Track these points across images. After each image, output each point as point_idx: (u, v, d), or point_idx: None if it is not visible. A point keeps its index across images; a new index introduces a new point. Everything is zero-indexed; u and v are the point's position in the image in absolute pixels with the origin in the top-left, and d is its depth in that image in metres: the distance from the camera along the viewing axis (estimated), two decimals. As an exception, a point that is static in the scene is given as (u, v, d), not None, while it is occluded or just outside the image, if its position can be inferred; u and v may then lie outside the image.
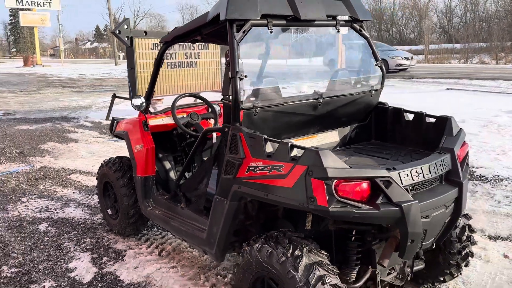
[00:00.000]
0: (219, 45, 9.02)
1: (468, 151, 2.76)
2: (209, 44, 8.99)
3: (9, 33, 75.90)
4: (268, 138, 2.44)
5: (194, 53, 9.42)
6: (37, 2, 37.97)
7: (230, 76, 2.56)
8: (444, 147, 2.58)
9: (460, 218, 2.71)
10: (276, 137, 2.64)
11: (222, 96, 2.69)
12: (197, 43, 8.72)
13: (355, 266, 2.49)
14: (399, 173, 2.25)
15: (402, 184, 2.23)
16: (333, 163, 2.14)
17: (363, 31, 3.22)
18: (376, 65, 3.27)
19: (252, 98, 2.69)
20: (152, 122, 3.84)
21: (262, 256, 2.36)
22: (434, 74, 19.31)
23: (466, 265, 3.02)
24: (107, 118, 10.36)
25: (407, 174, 2.28)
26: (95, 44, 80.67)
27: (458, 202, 2.48)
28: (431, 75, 18.84)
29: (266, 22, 2.65)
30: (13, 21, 67.38)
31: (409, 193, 2.24)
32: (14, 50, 72.15)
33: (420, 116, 3.01)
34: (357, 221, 2.23)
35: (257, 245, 2.41)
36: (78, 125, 10.17)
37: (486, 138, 7.28)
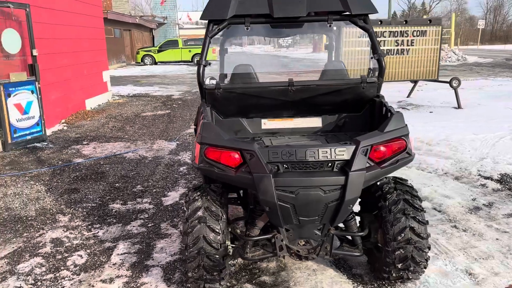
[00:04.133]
0: (440, 32, 9.82)
1: (404, 148, 2.77)
2: (428, 30, 9.64)
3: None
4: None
5: (407, 40, 9.62)
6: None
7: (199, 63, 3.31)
8: (354, 139, 2.71)
9: (402, 216, 2.80)
10: (244, 115, 3.44)
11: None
12: (412, 30, 9.56)
13: (254, 225, 3.01)
14: (268, 151, 2.64)
15: (268, 159, 2.62)
16: (209, 133, 2.73)
17: (364, 25, 3.29)
18: (372, 58, 3.35)
19: (215, 81, 3.40)
20: None
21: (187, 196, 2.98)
22: None
23: (410, 271, 2.89)
24: None
25: (277, 153, 2.63)
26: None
27: (343, 190, 2.62)
28: None
29: (243, 20, 3.23)
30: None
31: (279, 169, 2.65)
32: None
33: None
34: (222, 180, 2.80)
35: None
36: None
37: None
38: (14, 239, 3.99)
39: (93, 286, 3.19)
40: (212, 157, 2.74)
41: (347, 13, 3.25)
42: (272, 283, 3.18)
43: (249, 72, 3.64)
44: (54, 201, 4.90)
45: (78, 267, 3.46)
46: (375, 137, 2.73)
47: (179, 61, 27.78)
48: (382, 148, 2.73)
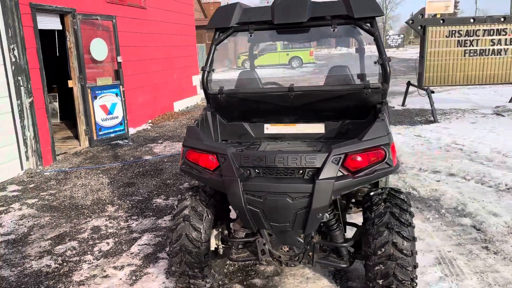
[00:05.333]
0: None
1: (383, 158, 2.60)
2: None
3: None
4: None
5: (506, 39, 9.02)
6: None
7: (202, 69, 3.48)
8: (330, 146, 2.66)
9: (385, 230, 2.65)
10: (247, 119, 3.53)
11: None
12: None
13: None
14: (241, 156, 2.69)
15: (240, 164, 2.67)
16: (191, 137, 2.89)
17: (370, 28, 3.17)
18: (375, 63, 3.20)
19: (220, 86, 3.50)
20: None
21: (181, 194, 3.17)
22: None
23: None
24: (402, 105, 11.14)
25: (248, 158, 2.67)
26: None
27: (311, 198, 2.56)
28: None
29: (247, 28, 3.37)
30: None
31: (251, 174, 2.70)
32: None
33: None
34: (200, 181, 2.93)
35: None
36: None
37: None
38: (65, 224, 4.58)
39: (105, 271, 3.56)
40: (192, 159, 2.89)
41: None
42: (262, 287, 3.22)
43: (252, 77, 3.72)
44: (110, 193, 5.48)
45: (101, 253, 3.86)
46: (350, 145, 2.63)
47: (276, 65, 28.32)
48: (358, 158, 2.63)
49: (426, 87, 9.34)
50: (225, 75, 23.94)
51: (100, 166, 6.77)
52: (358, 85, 3.28)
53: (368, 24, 3.21)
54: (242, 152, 2.76)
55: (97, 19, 7.95)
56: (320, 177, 2.57)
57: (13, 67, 6.24)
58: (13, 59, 6.23)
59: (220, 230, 3.16)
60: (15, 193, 5.58)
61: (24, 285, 3.38)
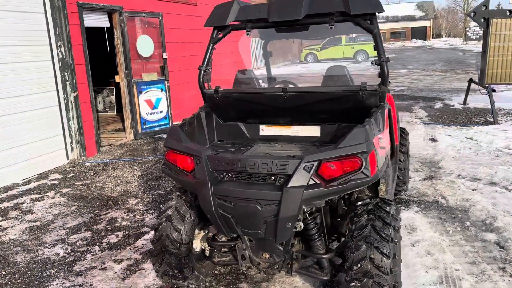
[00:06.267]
0: None
1: (359, 167, 2.41)
2: None
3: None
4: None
5: None
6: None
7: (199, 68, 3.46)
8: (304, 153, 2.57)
9: (363, 244, 2.48)
10: (242, 120, 3.47)
11: None
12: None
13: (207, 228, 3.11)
14: (215, 159, 2.65)
15: (214, 167, 2.63)
16: (171, 138, 2.87)
17: (368, 26, 2.96)
18: (373, 63, 2.97)
19: (216, 86, 3.44)
20: None
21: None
22: None
23: None
24: (464, 103, 10.33)
25: (221, 161, 2.62)
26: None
27: (279, 205, 2.46)
28: None
29: (244, 26, 3.32)
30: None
31: (224, 178, 2.63)
32: None
33: None
34: (177, 182, 2.92)
35: None
36: (429, 106, 10.56)
37: None
38: (87, 214, 4.81)
39: (104, 263, 3.68)
40: (171, 160, 2.88)
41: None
42: (247, 292, 3.16)
43: (249, 77, 3.62)
44: (137, 186, 5.67)
45: (108, 245, 4.01)
46: (325, 152, 2.47)
47: (341, 58, 27.62)
48: (332, 166, 2.46)
49: (487, 85, 8.58)
50: (287, 70, 23.82)
51: (137, 159, 7.03)
52: (354, 87, 3.08)
53: (368, 21, 2.99)
54: (216, 155, 2.70)
55: (144, 16, 8.23)
56: (289, 185, 2.44)
57: (60, 63, 6.66)
58: (60, 56, 6.64)
59: (206, 232, 3.13)
60: (54, 182, 5.98)
61: (30, 271, 3.61)
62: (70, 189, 5.66)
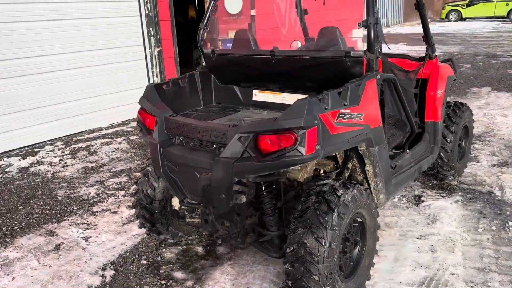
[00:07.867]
0: None
1: (292, 144, 2.18)
2: None
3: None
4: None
5: None
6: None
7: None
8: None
9: (299, 227, 2.37)
10: (236, 83, 3.37)
11: None
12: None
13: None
14: (169, 121, 2.64)
15: (168, 129, 2.64)
16: (145, 96, 2.88)
17: None
18: (359, 25, 2.55)
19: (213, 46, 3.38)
20: None
21: None
22: None
23: None
24: None
25: (173, 124, 2.62)
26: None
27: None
28: None
29: None
30: None
31: (175, 141, 2.62)
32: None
33: None
34: (144, 140, 2.91)
35: None
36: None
37: None
38: (136, 161, 5.23)
39: (118, 207, 4.01)
40: (141, 119, 2.93)
41: None
42: (221, 255, 3.15)
43: (246, 38, 3.38)
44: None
45: (131, 192, 4.33)
46: (262, 125, 2.27)
47: (491, 17, 23.95)
48: (268, 140, 2.24)
49: None
50: (417, 29, 21.64)
51: (210, 114, 7.28)
52: (338, 53, 2.69)
53: None
54: (171, 118, 2.67)
55: (233, -28, 8.21)
56: (221, 155, 2.32)
57: (146, 19, 7.12)
58: (146, 11, 7.09)
59: None
60: (128, 129, 6.58)
61: (60, 205, 4.11)
62: (137, 137, 6.17)
